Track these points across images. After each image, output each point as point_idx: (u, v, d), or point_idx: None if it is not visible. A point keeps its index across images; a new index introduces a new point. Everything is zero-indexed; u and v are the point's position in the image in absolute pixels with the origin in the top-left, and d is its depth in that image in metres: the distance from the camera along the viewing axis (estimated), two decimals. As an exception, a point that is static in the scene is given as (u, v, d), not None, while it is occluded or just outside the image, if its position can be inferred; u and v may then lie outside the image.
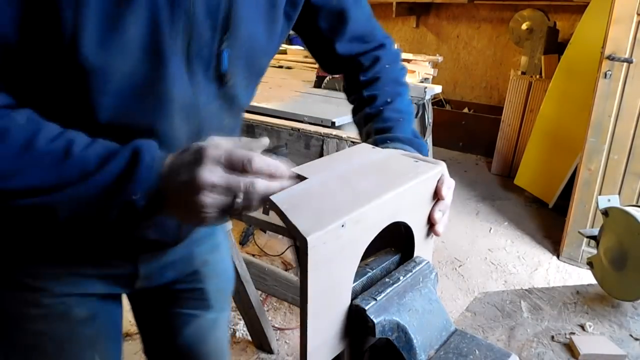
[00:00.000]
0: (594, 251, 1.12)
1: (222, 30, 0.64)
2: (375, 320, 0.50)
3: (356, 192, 0.51)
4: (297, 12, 0.76)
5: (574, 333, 0.97)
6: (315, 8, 0.80)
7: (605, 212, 1.07)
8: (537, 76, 3.76)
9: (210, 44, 0.64)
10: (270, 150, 0.63)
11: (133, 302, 0.94)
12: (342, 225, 0.47)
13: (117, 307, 0.86)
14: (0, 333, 0.76)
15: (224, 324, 1.02)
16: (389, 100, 0.82)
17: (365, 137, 0.82)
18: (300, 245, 0.45)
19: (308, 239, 0.44)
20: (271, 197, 0.48)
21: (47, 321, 0.76)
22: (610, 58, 2.36)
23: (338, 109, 1.96)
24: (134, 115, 0.61)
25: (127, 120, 0.61)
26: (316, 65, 2.70)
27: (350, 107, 0.90)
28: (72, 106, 0.59)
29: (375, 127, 0.80)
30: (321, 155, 1.61)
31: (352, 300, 0.52)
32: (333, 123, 1.80)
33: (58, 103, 0.59)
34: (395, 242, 0.61)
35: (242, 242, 2.90)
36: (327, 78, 2.42)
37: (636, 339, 0.96)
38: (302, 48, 3.19)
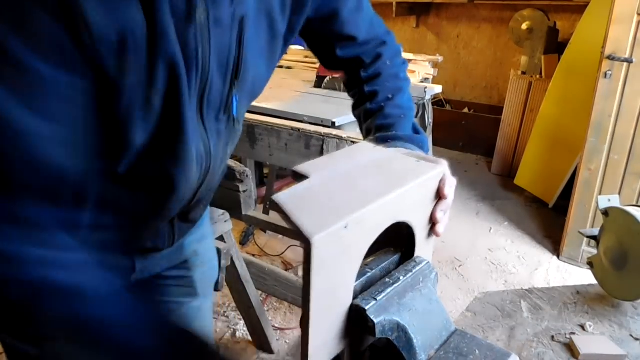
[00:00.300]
0: (594, 251, 1.12)
1: (232, 78, 0.66)
2: (375, 320, 0.50)
3: (358, 193, 0.51)
4: (295, 35, 0.77)
5: (574, 333, 0.97)
6: (311, 20, 0.80)
7: (606, 212, 1.07)
8: (537, 76, 3.76)
9: (222, 91, 0.66)
10: None
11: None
12: (345, 227, 0.46)
13: None
14: None
15: (208, 311, 1.05)
16: (390, 96, 0.83)
17: (366, 133, 0.83)
18: (304, 247, 0.45)
19: (312, 240, 0.44)
20: (274, 197, 0.48)
21: None
22: (610, 58, 2.36)
23: (338, 109, 1.96)
24: (152, 167, 0.63)
25: (144, 171, 0.63)
26: (316, 65, 2.70)
27: (350, 103, 0.91)
28: (92, 159, 0.58)
29: (376, 123, 0.80)
30: (321, 155, 1.61)
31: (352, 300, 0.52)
32: (333, 123, 1.80)
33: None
34: (396, 242, 0.61)
35: (242, 242, 2.90)
36: (327, 78, 2.42)
37: (636, 339, 0.96)
38: (302, 48, 3.19)
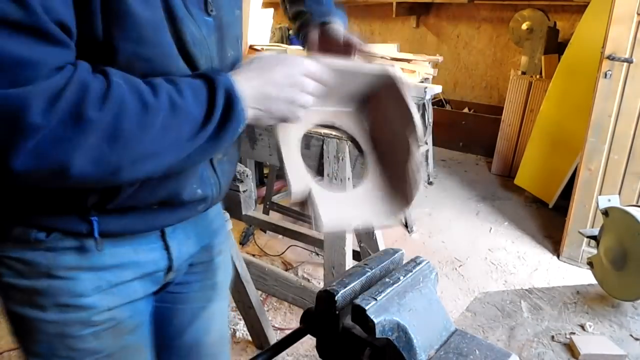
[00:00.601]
0: (594, 251, 1.12)
1: None
2: (375, 320, 0.50)
3: None
4: None
5: (574, 333, 0.97)
6: None
7: (606, 212, 1.07)
8: (537, 76, 3.76)
9: None
10: None
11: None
12: None
13: (150, 307, 0.86)
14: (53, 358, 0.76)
15: (225, 313, 1.06)
16: None
17: (297, 16, 1.03)
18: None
19: None
20: None
21: (98, 338, 0.75)
22: (610, 58, 2.36)
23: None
24: (152, 60, 0.63)
25: (144, 66, 0.62)
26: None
27: None
28: (94, 52, 0.59)
29: (313, 9, 0.99)
30: (321, 155, 1.61)
31: (352, 300, 0.52)
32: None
33: (82, 48, 0.59)
34: None
35: (242, 242, 2.90)
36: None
37: (636, 339, 0.96)
38: (302, 48, 3.18)
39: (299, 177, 0.74)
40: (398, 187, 0.81)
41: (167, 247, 0.80)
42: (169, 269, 0.82)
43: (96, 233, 0.70)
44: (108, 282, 0.74)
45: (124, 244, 0.75)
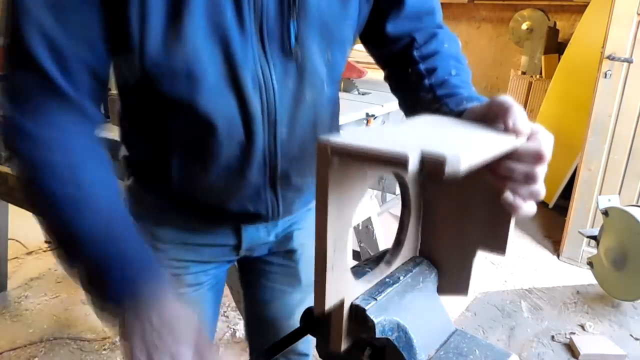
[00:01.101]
0: (594, 251, 1.12)
1: (289, 3, 0.65)
2: (375, 320, 0.50)
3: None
4: None
5: (574, 333, 0.97)
6: None
7: (606, 212, 1.07)
8: (537, 76, 3.76)
9: (279, 19, 0.65)
10: None
11: (240, 267, 1.01)
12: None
13: (221, 274, 0.93)
14: None
15: (309, 301, 1.03)
16: (452, 72, 0.74)
17: (424, 108, 0.69)
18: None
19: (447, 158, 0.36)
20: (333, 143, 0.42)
21: None
22: (610, 58, 2.36)
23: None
24: (193, 94, 0.65)
25: (182, 97, 0.65)
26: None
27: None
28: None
29: (440, 93, 0.69)
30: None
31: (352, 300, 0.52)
32: (333, 123, 1.80)
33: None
34: None
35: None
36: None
37: (636, 339, 0.96)
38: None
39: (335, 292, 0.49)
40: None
41: (237, 230, 0.84)
42: (238, 247, 0.86)
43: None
44: (180, 238, 0.82)
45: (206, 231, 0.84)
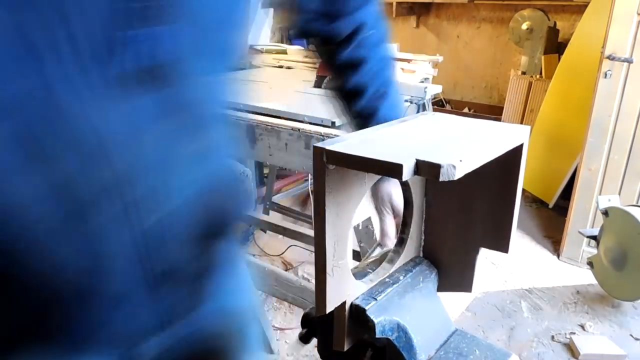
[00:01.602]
0: (594, 251, 1.12)
1: None
2: (375, 320, 0.50)
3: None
4: None
5: (574, 333, 0.97)
6: None
7: (606, 212, 1.07)
8: (537, 76, 3.76)
9: (104, 18, 0.38)
10: None
11: None
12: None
13: None
14: None
15: (257, 342, 0.74)
16: (381, 91, 0.70)
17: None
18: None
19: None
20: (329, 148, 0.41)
21: None
22: (611, 58, 2.36)
23: (338, 109, 1.95)
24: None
25: None
26: (316, 65, 2.70)
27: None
28: None
29: (365, 121, 0.70)
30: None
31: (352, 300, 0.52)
32: (333, 123, 1.80)
33: None
34: None
35: (242, 242, 2.90)
36: (327, 78, 2.41)
37: (636, 339, 0.96)
38: (302, 48, 3.19)
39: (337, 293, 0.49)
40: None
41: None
42: None
43: None
44: None
45: None
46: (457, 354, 0.54)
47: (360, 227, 2.22)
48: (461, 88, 4.75)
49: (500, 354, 0.54)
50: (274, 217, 2.81)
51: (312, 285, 2.08)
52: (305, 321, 0.60)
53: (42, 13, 0.35)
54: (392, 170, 0.37)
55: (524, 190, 3.55)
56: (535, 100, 3.71)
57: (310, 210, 3.02)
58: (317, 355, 0.60)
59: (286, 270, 2.56)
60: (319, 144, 0.42)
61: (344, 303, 0.50)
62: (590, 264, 1.11)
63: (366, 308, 0.50)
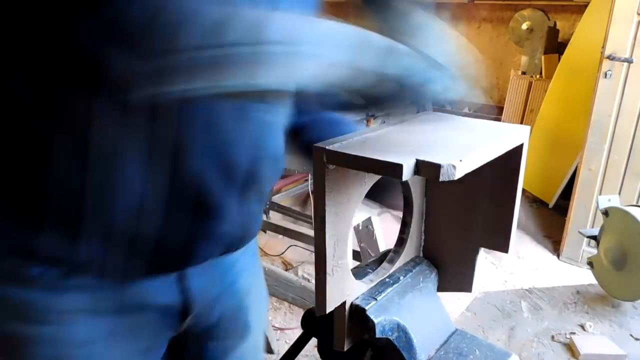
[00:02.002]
0: (594, 251, 1.12)
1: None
2: (375, 320, 0.50)
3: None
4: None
5: (574, 333, 0.97)
6: None
7: (606, 212, 1.07)
8: (537, 76, 3.76)
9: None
10: None
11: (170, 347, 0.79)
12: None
13: (164, 349, 0.75)
14: None
15: (259, 348, 0.94)
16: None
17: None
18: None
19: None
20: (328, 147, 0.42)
21: None
22: (611, 58, 2.36)
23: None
24: None
25: None
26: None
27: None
28: None
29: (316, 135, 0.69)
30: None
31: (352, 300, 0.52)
32: (333, 123, 1.80)
33: None
34: None
35: (242, 242, 2.90)
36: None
37: (636, 339, 0.96)
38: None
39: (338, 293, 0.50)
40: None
41: (184, 290, 0.68)
42: (186, 313, 0.70)
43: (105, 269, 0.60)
44: (113, 328, 0.63)
45: (134, 285, 0.64)
46: (457, 354, 0.54)
47: (360, 227, 2.22)
48: (461, 88, 4.75)
49: (500, 354, 0.54)
50: (274, 217, 2.81)
51: (312, 285, 2.08)
52: (306, 321, 0.60)
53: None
54: (392, 170, 0.37)
55: (524, 190, 3.54)
56: (535, 100, 3.72)
57: (310, 210, 3.02)
58: (317, 355, 0.60)
59: (286, 270, 2.56)
60: (319, 144, 0.42)
61: (344, 303, 0.50)
62: (590, 264, 1.11)
63: (366, 308, 0.50)
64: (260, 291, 0.91)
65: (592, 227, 2.58)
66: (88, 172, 0.54)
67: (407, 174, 0.37)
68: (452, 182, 0.38)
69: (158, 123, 0.53)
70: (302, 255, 2.77)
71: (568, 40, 3.34)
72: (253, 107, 0.59)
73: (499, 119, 3.98)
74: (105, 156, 0.53)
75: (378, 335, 0.50)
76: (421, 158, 0.38)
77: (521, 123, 3.83)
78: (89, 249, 0.57)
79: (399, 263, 0.59)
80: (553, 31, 3.80)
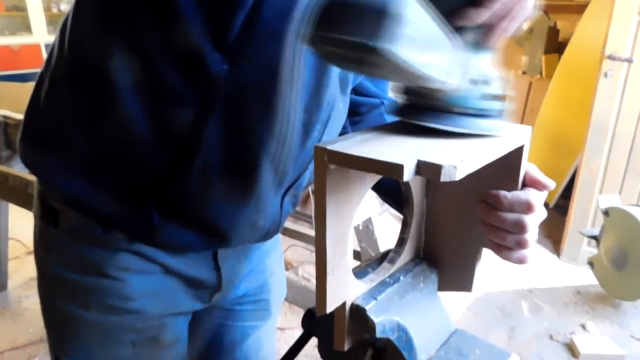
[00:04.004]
0: (595, 251, 1.12)
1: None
2: (375, 320, 0.50)
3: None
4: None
5: (574, 333, 0.97)
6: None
7: (606, 212, 1.07)
8: (538, 76, 3.76)
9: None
10: None
11: (192, 321, 0.87)
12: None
13: (187, 325, 0.83)
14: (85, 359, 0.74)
15: (274, 330, 1.00)
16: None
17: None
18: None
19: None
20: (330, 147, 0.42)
21: (136, 347, 0.73)
22: (611, 58, 2.36)
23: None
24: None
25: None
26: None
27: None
28: None
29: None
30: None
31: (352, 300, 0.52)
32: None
33: None
34: None
35: (242, 242, 2.89)
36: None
37: (636, 339, 0.96)
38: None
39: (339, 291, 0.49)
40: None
41: (217, 268, 0.76)
42: (217, 288, 0.78)
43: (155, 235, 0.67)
44: (156, 288, 0.71)
45: (176, 255, 0.72)
46: (457, 354, 0.54)
47: (360, 227, 2.22)
48: (461, 88, 4.75)
49: (501, 354, 0.54)
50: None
51: (312, 285, 2.08)
52: (306, 321, 0.60)
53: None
54: (393, 170, 0.37)
55: (524, 190, 3.54)
56: (535, 100, 3.71)
57: (310, 210, 3.02)
58: (317, 355, 0.60)
59: (286, 270, 2.56)
60: (320, 144, 0.42)
61: (344, 303, 0.50)
62: (590, 264, 1.11)
63: (366, 308, 0.50)
64: (281, 277, 0.98)
65: (593, 227, 2.57)
66: (172, 155, 0.61)
67: (408, 174, 0.37)
68: (452, 182, 0.38)
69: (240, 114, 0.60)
70: (302, 255, 2.77)
71: (568, 40, 3.34)
72: (315, 126, 0.66)
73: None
74: (189, 138, 0.60)
75: (378, 335, 0.50)
76: (422, 158, 0.38)
77: (521, 123, 3.82)
78: (156, 223, 0.65)
79: (399, 263, 0.59)
80: (553, 31, 3.80)
